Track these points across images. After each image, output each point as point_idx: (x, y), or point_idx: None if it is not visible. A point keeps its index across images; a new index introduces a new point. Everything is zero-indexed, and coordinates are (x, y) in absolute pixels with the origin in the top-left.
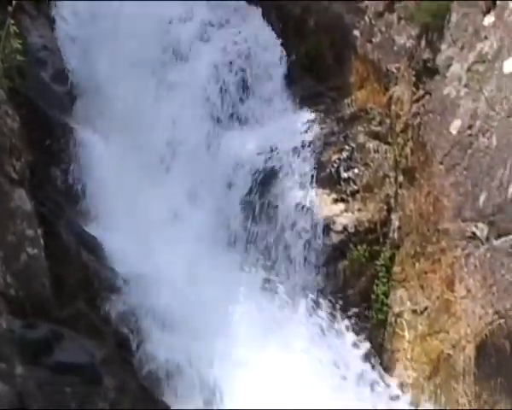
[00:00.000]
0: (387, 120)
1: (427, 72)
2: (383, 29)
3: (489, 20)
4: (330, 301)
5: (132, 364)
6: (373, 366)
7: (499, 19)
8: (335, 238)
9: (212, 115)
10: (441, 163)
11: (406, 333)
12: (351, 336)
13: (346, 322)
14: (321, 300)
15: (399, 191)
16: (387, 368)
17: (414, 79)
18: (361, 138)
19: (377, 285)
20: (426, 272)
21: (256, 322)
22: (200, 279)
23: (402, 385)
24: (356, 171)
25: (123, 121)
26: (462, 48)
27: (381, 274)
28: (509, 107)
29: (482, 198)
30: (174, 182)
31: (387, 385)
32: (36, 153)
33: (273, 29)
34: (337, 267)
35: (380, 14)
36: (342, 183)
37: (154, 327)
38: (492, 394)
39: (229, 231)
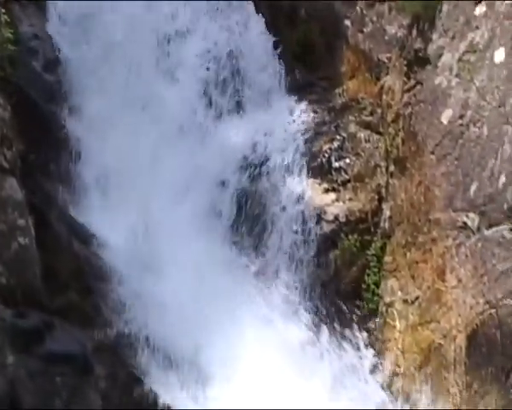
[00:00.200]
0: (379, 110)
1: (418, 61)
2: (374, 19)
3: (480, 10)
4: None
5: (123, 353)
6: None
7: (490, 9)
8: (327, 228)
9: (203, 105)
10: (432, 153)
11: (397, 323)
12: None
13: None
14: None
15: (390, 181)
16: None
17: (405, 68)
18: (352, 128)
19: (368, 275)
20: (417, 262)
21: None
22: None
23: (393, 374)
24: (347, 161)
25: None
26: (453, 38)
27: (372, 264)
28: (500, 97)
29: (473, 188)
30: (167, 170)
31: None
32: (27, 142)
33: (264, 19)
34: (328, 257)
35: (371, 4)
36: (333, 172)
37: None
38: (483, 383)
39: (220, 220)
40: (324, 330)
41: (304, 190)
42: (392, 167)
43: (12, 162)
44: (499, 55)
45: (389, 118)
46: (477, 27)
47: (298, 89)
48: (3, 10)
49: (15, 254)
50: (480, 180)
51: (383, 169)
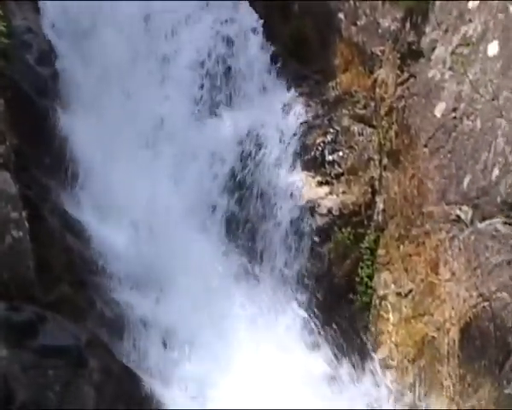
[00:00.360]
0: (372, 103)
1: (411, 54)
2: (368, 12)
3: (473, 3)
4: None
5: (117, 346)
6: None
7: (484, 2)
8: (320, 221)
9: (196, 98)
10: (425, 146)
11: (391, 316)
12: None
13: None
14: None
15: (384, 174)
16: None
17: (398, 61)
18: (346, 121)
19: (362, 268)
20: (410, 255)
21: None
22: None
23: (386, 367)
24: (340, 154)
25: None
26: (446, 31)
27: (365, 257)
28: (493, 90)
29: (466, 181)
30: (159, 163)
31: None
32: (21, 136)
33: (258, 14)
34: (322, 250)
35: None
36: (327, 165)
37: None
38: (476, 376)
39: (213, 213)
40: (320, 318)
41: (297, 183)
42: (385, 160)
43: (5, 156)
44: (492, 48)
45: (382, 111)
46: (470, 20)
47: (291, 82)
48: None
49: (9, 248)
50: (474, 173)
51: (376, 162)
